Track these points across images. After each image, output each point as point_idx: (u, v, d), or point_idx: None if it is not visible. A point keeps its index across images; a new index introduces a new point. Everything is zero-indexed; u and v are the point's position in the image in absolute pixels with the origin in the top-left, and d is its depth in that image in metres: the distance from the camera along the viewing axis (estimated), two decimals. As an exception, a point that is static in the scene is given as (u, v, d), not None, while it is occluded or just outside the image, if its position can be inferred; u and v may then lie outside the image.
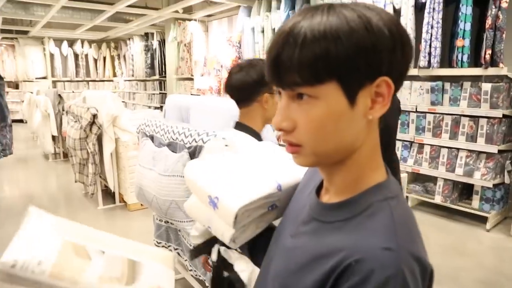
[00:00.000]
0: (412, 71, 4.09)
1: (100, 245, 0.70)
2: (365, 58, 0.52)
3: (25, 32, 11.15)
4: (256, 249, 0.89)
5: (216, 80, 7.31)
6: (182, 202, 2.00)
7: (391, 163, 2.06)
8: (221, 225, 0.82)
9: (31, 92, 7.87)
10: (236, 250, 0.92)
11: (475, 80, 3.67)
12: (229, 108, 2.02)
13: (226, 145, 1.53)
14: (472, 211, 3.75)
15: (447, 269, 2.91)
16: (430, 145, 3.97)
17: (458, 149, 3.78)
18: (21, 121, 10.42)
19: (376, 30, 0.52)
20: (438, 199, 3.94)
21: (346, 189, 0.61)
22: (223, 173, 0.86)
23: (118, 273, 0.68)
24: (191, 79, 8.19)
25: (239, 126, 1.60)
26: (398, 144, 4.32)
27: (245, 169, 0.88)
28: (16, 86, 12.72)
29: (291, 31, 0.53)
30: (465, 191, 4.02)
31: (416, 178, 4.42)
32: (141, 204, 4.05)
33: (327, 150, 0.58)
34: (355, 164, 0.60)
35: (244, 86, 1.52)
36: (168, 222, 2.45)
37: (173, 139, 2.12)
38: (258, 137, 1.55)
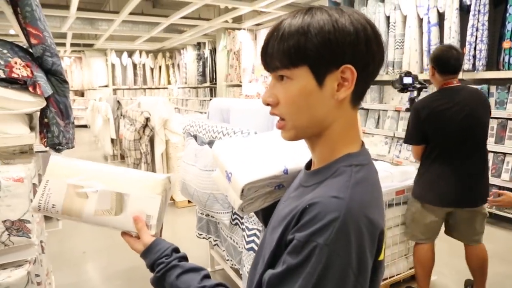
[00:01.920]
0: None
1: (95, 183, 0.91)
2: (330, 48, 0.65)
3: (91, 45, 12.13)
4: (269, 218, 1.04)
5: (263, 86, 7.52)
6: (219, 195, 2.19)
7: (485, 153, 2.29)
8: (234, 195, 0.98)
9: (94, 99, 8.56)
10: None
11: (524, 82, 3.56)
12: (267, 109, 2.18)
13: None
14: (521, 219, 3.61)
15: (492, 276, 2.84)
16: (475, 149, 3.87)
17: (504, 153, 3.66)
18: (85, 126, 11.29)
19: (341, 28, 0.65)
20: (484, 205, 3.82)
21: (323, 159, 0.74)
22: (241, 152, 1.03)
23: (108, 206, 0.90)
24: (240, 86, 8.47)
25: None
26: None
27: (261, 150, 1.03)
28: (82, 94, 13.82)
29: (276, 28, 0.69)
30: (514, 197, 3.86)
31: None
32: (188, 201, 4.33)
33: (302, 123, 0.71)
34: (330, 138, 0.72)
35: None
36: (208, 215, 2.65)
37: (213, 138, 2.32)
38: None
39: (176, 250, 0.88)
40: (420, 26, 4.45)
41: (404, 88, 2.78)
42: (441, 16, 4.21)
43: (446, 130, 2.16)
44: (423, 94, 2.82)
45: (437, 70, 2.23)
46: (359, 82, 0.68)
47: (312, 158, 0.79)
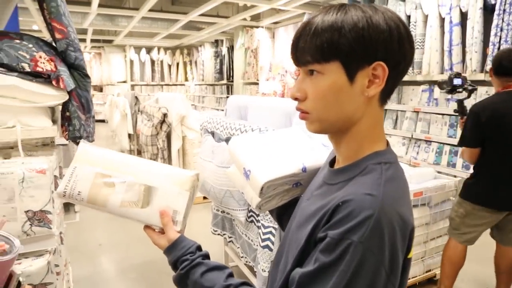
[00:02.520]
0: (478, 76, 3.95)
1: (124, 174, 0.90)
2: (363, 45, 0.65)
3: (110, 41, 12.29)
4: (284, 216, 1.03)
5: (280, 85, 7.50)
6: (236, 192, 2.20)
7: None
8: (251, 193, 0.98)
9: (113, 95, 8.68)
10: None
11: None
12: (285, 106, 2.18)
13: None
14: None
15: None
16: (496, 152, 3.79)
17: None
18: (102, 121, 11.45)
19: (375, 25, 0.65)
20: (504, 210, 3.73)
21: (349, 157, 0.73)
22: (259, 150, 1.01)
23: (135, 198, 0.89)
24: (257, 84, 8.47)
25: None
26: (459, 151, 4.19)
27: (279, 148, 1.02)
28: (100, 89, 14.02)
29: (308, 22, 0.69)
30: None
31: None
32: (204, 198, 4.36)
33: (329, 118, 0.70)
34: (356, 135, 0.72)
35: None
36: (224, 212, 2.66)
37: (231, 135, 2.33)
38: None
39: (199, 248, 0.88)
40: (442, 26, 4.36)
41: (453, 90, 2.74)
42: (463, 16, 4.12)
43: (509, 133, 2.16)
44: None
45: (494, 71, 2.25)
46: (389, 80, 0.68)
47: (337, 155, 0.78)
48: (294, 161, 0.97)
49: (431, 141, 4.59)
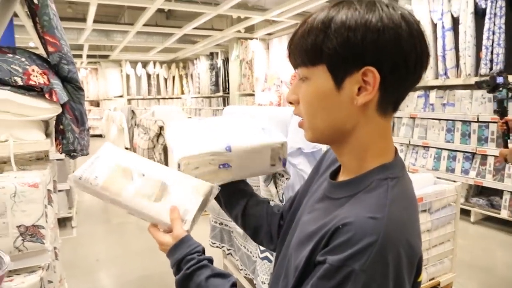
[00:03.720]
0: (473, 79, 3.96)
1: (144, 169, 0.91)
2: (348, 47, 0.59)
3: (106, 56, 12.34)
4: (230, 206, 1.04)
5: (276, 95, 7.51)
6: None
7: None
8: None
9: (109, 109, 8.67)
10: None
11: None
12: (281, 115, 2.16)
13: None
14: (544, 228, 3.49)
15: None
16: (494, 156, 3.78)
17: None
18: (100, 135, 11.42)
19: (364, 24, 0.58)
20: (504, 214, 3.70)
21: (352, 170, 0.67)
22: (186, 132, 1.05)
23: (150, 191, 0.88)
24: (253, 95, 8.49)
25: None
26: (459, 156, 4.18)
27: (206, 130, 1.05)
28: (97, 104, 14.03)
29: (303, 22, 0.65)
30: (536, 205, 3.75)
31: (481, 191, 4.21)
32: (201, 210, 4.33)
33: (319, 126, 0.66)
34: (356, 147, 0.66)
35: None
36: (222, 223, 2.63)
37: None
38: None
39: (204, 251, 0.83)
40: (434, 31, 4.40)
41: (495, 88, 2.64)
42: (455, 21, 4.16)
43: None
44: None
45: None
46: (388, 87, 0.61)
47: (342, 167, 0.74)
48: (217, 140, 0.99)
49: (428, 147, 4.59)
